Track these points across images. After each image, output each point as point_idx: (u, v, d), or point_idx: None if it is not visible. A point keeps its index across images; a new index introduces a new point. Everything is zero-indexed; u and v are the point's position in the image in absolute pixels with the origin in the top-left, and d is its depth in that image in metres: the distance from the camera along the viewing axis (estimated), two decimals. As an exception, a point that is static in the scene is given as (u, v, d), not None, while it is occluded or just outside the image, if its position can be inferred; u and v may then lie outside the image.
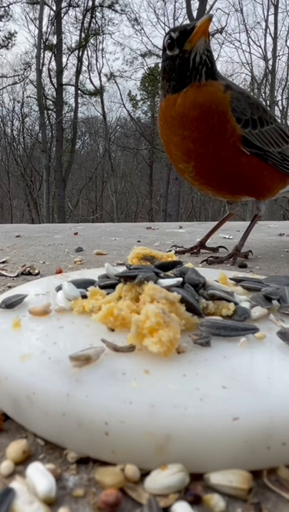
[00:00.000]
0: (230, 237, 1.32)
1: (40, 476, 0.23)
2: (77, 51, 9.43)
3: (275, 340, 0.34)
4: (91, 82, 10.23)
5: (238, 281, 0.47)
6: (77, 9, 9.46)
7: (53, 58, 8.91)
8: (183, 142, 0.79)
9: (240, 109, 0.78)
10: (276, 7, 9.33)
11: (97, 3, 9.41)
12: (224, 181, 0.84)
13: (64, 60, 9.12)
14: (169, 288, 0.37)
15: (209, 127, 0.76)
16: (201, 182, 0.86)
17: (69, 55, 9.42)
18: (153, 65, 10.38)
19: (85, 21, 9.33)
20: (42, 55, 8.65)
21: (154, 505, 0.22)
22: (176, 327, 0.31)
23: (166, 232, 1.45)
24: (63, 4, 8.92)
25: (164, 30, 10.34)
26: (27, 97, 10.70)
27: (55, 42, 8.88)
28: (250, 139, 0.78)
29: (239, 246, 0.88)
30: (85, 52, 9.61)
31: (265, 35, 9.89)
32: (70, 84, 9.52)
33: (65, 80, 9.21)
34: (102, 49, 10.51)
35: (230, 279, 0.47)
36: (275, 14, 9.43)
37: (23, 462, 0.26)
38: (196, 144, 0.78)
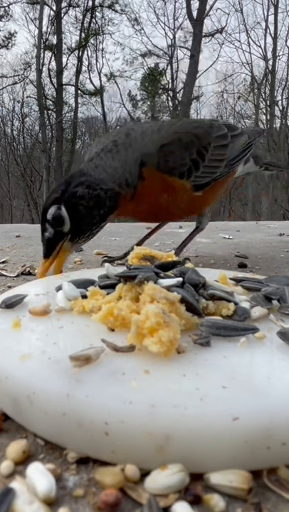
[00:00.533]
0: (230, 237, 1.32)
1: (40, 476, 0.23)
2: (77, 51, 9.43)
3: (275, 340, 0.34)
4: (91, 82, 10.22)
5: (238, 281, 0.47)
6: (77, 9, 9.47)
7: (53, 58, 8.92)
8: (145, 216, 0.78)
9: (176, 163, 0.69)
10: (276, 7, 9.32)
11: (97, 3, 9.41)
12: (183, 215, 0.83)
13: (64, 60, 9.12)
14: (169, 288, 0.37)
15: (166, 201, 0.71)
16: (160, 220, 0.87)
17: (69, 55, 9.42)
18: (153, 65, 10.39)
19: (85, 21, 9.33)
20: (42, 55, 8.65)
21: (154, 505, 0.22)
22: (176, 327, 0.31)
23: (166, 232, 1.44)
24: (63, 4, 8.93)
25: (164, 30, 10.35)
26: (27, 97, 10.70)
27: (55, 42, 8.89)
28: (198, 182, 0.72)
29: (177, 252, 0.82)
30: (85, 52, 9.61)
31: (265, 35, 9.87)
32: (70, 84, 9.52)
33: (65, 80, 9.21)
34: (102, 49, 10.48)
35: (231, 279, 0.47)
36: (275, 14, 9.43)
37: (23, 462, 0.26)
38: (160, 215, 0.77)
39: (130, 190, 0.67)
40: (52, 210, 0.63)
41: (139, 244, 0.90)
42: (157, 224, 0.94)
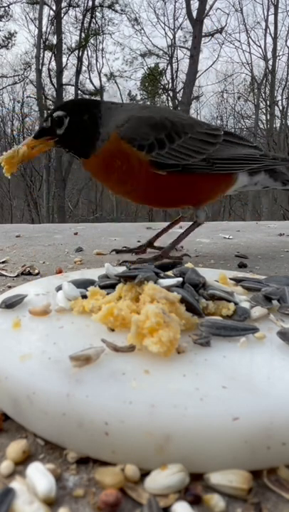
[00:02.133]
0: (230, 237, 1.32)
1: (40, 476, 0.23)
2: (77, 51, 9.43)
3: (275, 340, 0.34)
4: (91, 82, 10.23)
5: (238, 281, 0.47)
6: (77, 9, 9.47)
7: (53, 58, 8.91)
8: (110, 187, 0.86)
9: (139, 135, 0.76)
10: (276, 7, 9.33)
11: (97, 3, 9.42)
12: (160, 202, 0.88)
13: (64, 60, 9.12)
14: (169, 288, 0.37)
15: (121, 169, 0.78)
16: (144, 204, 0.91)
17: (69, 55, 9.43)
18: (153, 65, 10.40)
19: (85, 21, 9.33)
20: (42, 55, 8.66)
21: (154, 505, 0.22)
22: (176, 327, 0.31)
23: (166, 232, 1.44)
24: (63, 4, 8.93)
25: (164, 30, 10.37)
26: (27, 97, 10.72)
27: (55, 42, 8.88)
28: (161, 160, 0.77)
29: (167, 250, 0.85)
30: (85, 52, 9.62)
31: (265, 35, 9.89)
32: (70, 84, 9.52)
33: (65, 80, 9.20)
34: (102, 49, 10.49)
35: (231, 279, 0.47)
36: (275, 14, 9.44)
37: (23, 462, 0.26)
38: (120, 186, 0.82)
39: (98, 145, 0.78)
40: (60, 113, 0.78)
41: (153, 240, 0.98)
42: (170, 222, 1.00)
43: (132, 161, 0.76)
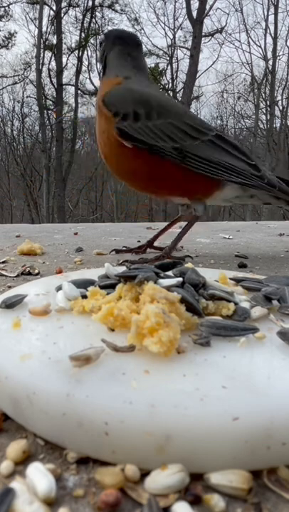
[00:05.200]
0: (230, 237, 1.31)
1: (40, 476, 0.23)
2: (77, 51, 9.43)
3: (275, 340, 0.34)
4: (91, 82, 10.23)
5: (238, 281, 0.47)
6: (77, 9, 9.47)
7: (52, 58, 8.91)
8: (99, 145, 0.88)
9: (119, 103, 0.79)
10: (276, 7, 9.33)
11: (97, 3, 9.41)
12: (133, 179, 0.87)
13: (64, 60, 9.12)
14: (169, 288, 0.37)
15: (100, 127, 0.83)
16: (120, 179, 0.92)
17: (69, 55, 9.43)
18: (153, 65, 10.39)
19: (85, 21, 9.33)
20: (42, 55, 8.65)
21: (154, 505, 0.22)
22: (176, 327, 0.31)
23: (166, 232, 1.44)
24: (63, 4, 8.93)
25: (164, 30, 10.37)
26: (27, 97, 10.72)
27: (55, 42, 8.88)
28: (128, 131, 0.78)
29: (168, 249, 0.84)
30: (85, 52, 9.61)
31: (265, 35, 9.90)
32: (70, 84, 9.52)
33: (65, 80, 9.20)
34: (102, 49, 10.48)
35: (231, 279, 0.47)
36: (275, 14, 9.44)
37: (23, 462, 0.26)
38: (100, 136, 0.85)
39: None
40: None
41: (152, 240, 0.98)
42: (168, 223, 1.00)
43: (106, 123, 0.80)
